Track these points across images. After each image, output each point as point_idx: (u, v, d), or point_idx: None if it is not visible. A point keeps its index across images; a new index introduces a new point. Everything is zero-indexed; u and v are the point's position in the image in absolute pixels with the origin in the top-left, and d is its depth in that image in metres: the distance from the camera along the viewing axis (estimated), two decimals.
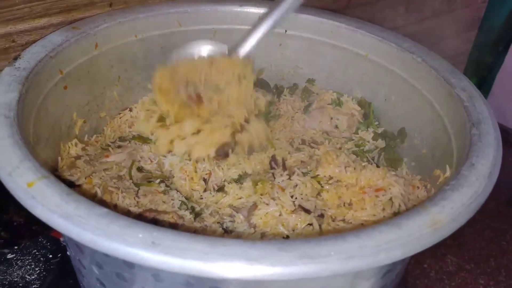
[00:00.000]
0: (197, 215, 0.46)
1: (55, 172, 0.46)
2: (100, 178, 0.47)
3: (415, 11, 0.86)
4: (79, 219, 0.29)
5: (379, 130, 0.58)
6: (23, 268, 0.58)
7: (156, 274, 0.33)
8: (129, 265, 0.33)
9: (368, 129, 0.57)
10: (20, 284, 0.56)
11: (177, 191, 0.48)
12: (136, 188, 0.47)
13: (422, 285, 0.58)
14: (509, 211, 0.70)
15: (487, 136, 0.39)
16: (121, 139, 0.55)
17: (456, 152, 0.43)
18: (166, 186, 0.49)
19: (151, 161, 0.52)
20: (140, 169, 0.51)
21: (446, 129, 0.46)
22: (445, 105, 0.48)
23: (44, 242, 0.61)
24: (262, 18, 0.52)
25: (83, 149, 0.51)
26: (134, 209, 0.43)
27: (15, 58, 0.44)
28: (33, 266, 0.58)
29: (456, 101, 0.45)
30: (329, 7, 0.71)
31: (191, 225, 0.44)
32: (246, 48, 0.51)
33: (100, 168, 0.49)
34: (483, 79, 0.93)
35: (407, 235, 0.29)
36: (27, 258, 0.59)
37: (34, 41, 0.49)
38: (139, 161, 0.52)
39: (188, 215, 0.45)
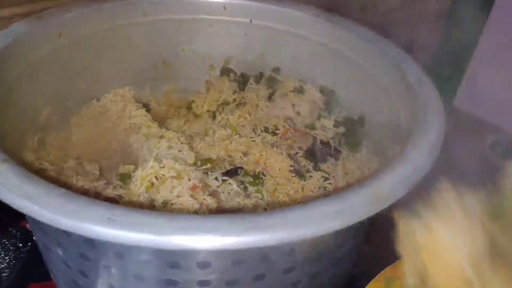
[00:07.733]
0: None
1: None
2: None
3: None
4: (38, 199, 0.30)
5: (340, 116, 0.60)
6: None
7: (119, 252, 0.34)
8: (90, 244, 0.34)
9: (330, 115, 0.60)
10: None
11: None
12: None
13: None
14: None
15: (432, 117, 0.42)
16: None
17: (405, 134, 0.45)
18: None
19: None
20: None
21: (398, 113, 0.49)
22: (397, 91, 0.50)
23: (14, 232, 0.62)
24: None
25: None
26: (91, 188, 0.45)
27: None
28: (2, 255, 0.59)
29: (407, 86, 0.48)
30: None
31: None
32: None
33: None
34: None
35: (349, 206, 0.31)
36: None
37: None
38: None
39: None
